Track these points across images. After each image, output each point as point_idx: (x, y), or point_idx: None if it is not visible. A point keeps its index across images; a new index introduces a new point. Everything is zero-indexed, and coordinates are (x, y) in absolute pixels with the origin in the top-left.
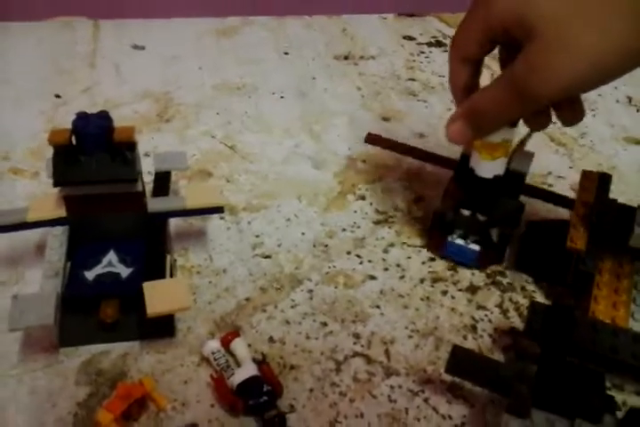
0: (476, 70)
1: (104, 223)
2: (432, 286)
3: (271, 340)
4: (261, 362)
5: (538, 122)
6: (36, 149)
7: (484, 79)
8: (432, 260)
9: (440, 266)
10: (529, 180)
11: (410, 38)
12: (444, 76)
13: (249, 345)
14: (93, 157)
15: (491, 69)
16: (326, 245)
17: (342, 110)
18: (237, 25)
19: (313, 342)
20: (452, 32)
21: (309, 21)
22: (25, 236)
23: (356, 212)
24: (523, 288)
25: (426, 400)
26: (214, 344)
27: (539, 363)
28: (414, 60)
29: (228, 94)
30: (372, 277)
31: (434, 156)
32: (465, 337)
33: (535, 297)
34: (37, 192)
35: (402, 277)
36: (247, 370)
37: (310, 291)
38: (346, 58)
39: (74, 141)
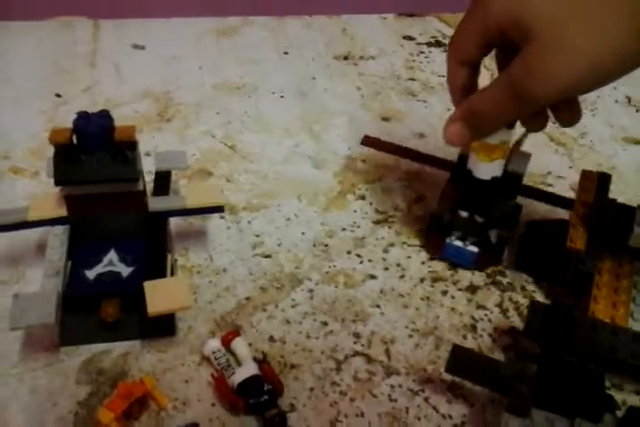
0: (474, 72)
1: (105, 222)
2: (432, 286)
3: (272, 339)
4: (262, 361)
5: (535, 123)
6: (36, 148)
7: (484, 79)
8: (432, 259)
9: (440, 266)
10: (528, 180)
11: (410, 38)
12: (443, 76)
13: (249, 344)
14: (94, 157)
15: (491, 70)
16: (326, 245)
17: (342, 110)
18: (237, 25)
19: (313, 341)
20: (451, 32)
21: (309, 21)
22: (25, 235)
23: (355, 211)
24: (523, 288)
25: (426, 400)
26: (215, 343)
27: (538, 362)
28: (414, 60)
29: (227, 94)
30: (373, 277)
31: (431, 158)
32: (465, 337)
33: (535, 297)
34: (37, 191)
35: (402, 276)
36: (248, 369)
37: (310, 290)
38: (346, 58)
39: (75, 141)
